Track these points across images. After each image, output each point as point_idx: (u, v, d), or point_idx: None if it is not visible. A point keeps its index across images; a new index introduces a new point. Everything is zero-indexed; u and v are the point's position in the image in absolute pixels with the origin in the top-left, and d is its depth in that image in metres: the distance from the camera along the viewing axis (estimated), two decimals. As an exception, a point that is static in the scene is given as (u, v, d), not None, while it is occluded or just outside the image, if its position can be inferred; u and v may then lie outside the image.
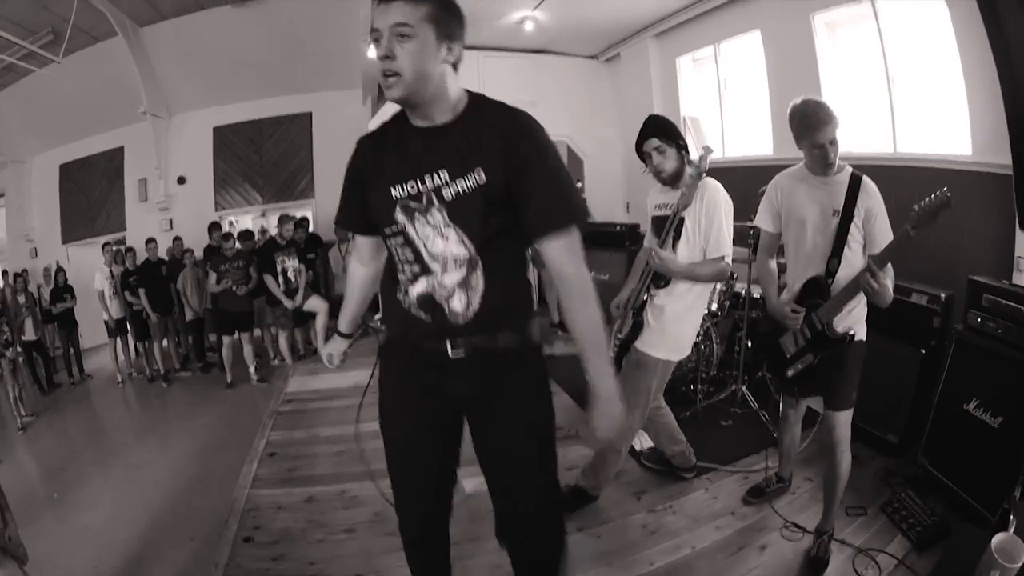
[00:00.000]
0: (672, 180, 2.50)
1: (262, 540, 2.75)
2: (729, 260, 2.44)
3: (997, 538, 1.94)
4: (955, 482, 2.66)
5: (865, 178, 2.12)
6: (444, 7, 1.33)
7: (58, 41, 6.83)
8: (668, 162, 2.46)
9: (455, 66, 1.40)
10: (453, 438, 1.65)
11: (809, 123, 2.07)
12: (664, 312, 2.50)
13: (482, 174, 1.36)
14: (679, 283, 2.49)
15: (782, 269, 2.48)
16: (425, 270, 1.44)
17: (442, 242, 1.41)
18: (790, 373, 2.36)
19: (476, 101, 1.44)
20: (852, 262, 2.15)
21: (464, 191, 1.37)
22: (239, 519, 2.92)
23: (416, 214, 1.41)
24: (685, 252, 2.45)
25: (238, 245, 6.66)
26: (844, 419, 2.26)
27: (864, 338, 2.25)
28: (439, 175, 1.38)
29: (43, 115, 8.63)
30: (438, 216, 1.39)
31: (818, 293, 2.20)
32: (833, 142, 2.07)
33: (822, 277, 2.19)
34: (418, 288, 1.46)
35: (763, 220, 2.42)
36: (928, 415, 2.87)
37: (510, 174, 1.36)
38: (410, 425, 1.60)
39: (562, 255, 1.40)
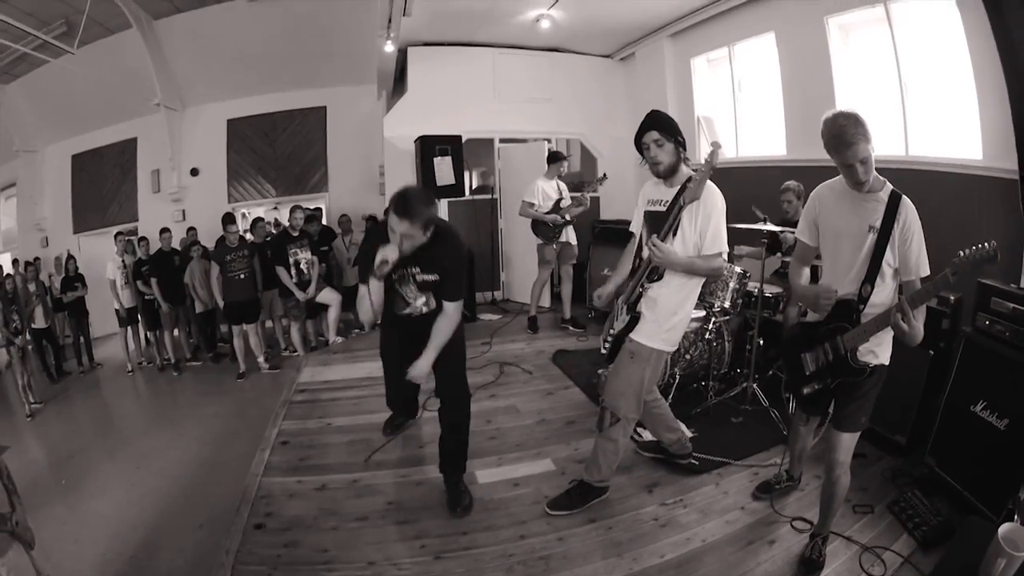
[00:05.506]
0: (667, 174, 2.51)
1: (274, 527, 2.75)
2: (726, 257, 2.49)
3: (1004, 527, 1.95)
4: (961, 483, 2.67)
5: (905, 198, 2.03)
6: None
7: (72, 32, 6.87)
8: (665, 155, 2.47)
9: None
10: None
11: (836, 143, 1.99)
12: (658, 304, 2.53)
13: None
14: (673, 277, 2.52)
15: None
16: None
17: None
18: (805, 391, 2.34)
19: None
20: (885, 290, 2.10)
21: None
22: (251, 506, 2.92)
23: None
24: (680, 247, 2.47)
25: (243, 232, 6.59)
26: (848, 442, 2.22)
27: (887, 362, 2.19)
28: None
29: (56, 105, 8.67)
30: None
31: (847, 316, 2.15)
32: (864, 161, 1.98)
33: (854, 300, 2.13)
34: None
35: (802, 231, 2.36)
36: (936, 416, 2.89)
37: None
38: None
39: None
